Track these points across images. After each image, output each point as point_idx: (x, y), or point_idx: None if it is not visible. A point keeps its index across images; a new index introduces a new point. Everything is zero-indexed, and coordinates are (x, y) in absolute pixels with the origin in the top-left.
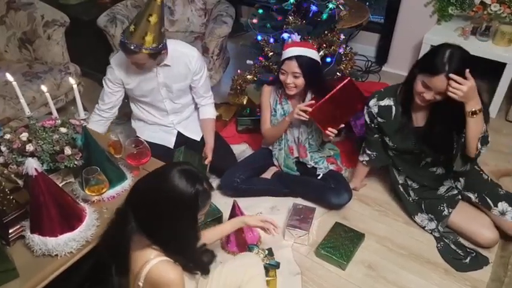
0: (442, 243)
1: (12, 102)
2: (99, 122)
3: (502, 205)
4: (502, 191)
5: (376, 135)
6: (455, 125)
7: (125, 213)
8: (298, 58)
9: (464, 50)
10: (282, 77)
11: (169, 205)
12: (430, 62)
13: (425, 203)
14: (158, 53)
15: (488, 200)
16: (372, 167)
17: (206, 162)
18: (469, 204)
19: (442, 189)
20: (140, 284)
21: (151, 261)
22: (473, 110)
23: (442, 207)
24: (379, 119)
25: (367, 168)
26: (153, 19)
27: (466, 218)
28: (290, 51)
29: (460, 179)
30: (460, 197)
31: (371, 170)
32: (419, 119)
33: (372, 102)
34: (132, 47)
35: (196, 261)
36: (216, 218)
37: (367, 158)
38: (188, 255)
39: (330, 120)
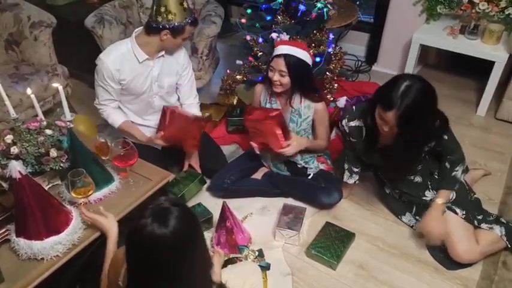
0: None
1: None
2: (114, 110)
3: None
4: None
5: (353, 151)
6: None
7: None
8: (286, 56)
9: (424, 83)
10: (270, 74)
11: (179, 252)
12: (385, 94)
13: (416, 206)
14: None
15: (474, 220)
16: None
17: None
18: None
19: (427, 197)
20: None
21: None
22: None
23: None
24: (351, 138)
25: (353, 186)
26: None
27: (448, 229)
28: (280, 49)
29: None
30: (445, 209)
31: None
32: (388, 138)
33: (344, 122)
34: (196, 20)
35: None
36: (206, 219)
37: (357, 177)
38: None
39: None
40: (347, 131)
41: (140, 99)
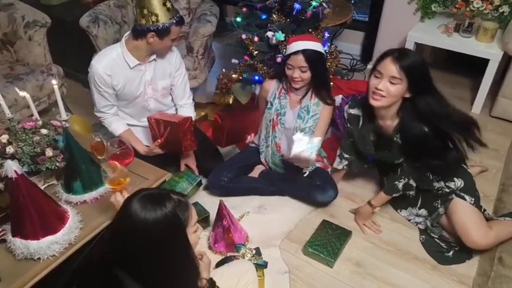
0: (424, 236)
1: None
2: (114, 118)
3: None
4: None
5: (351, 139)
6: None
7: (114, 278)
8: (305, 52)
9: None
10: (288, 72)
11: (153, 244)
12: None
13: (422, 197)
14: None
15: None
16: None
17: (192, 166)
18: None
19: (435, 186)
20: None
21: None
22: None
23: (436, 204)
24: (349, 125)
25: (342, 172)
26: None
27: (459, 217)
28: (295, 46)
29: (455, 179)
30: (453, 196)
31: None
32: (389, 128)
33: (346, 108)
34: (181, 19)
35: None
36: (203, 218)
37: (346, 162)
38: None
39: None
40: (346, 117)
41: (135, 103)
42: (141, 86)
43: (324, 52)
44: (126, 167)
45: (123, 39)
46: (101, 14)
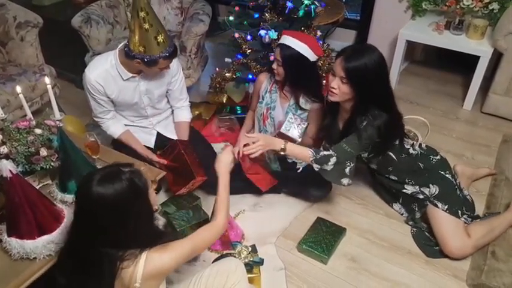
0: (415, 229)
1: None
2: (112, 121)
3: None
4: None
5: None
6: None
7: (98, 254)
8: (283, 46)
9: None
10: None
11: (124, 212)
12: None
13: (402, 197)
14: None
15: (458, 211)
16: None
17: None
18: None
19: (408, 190)
20: (137, 285)
21: (139, 262)
22: (279, 149)
23: (414, 206)
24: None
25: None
26: (146, 26)
27: (435, 225)
28: (282, 38)
29: (430, 185)
30: (427, 202)
31: None
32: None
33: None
34: (173, 53)
35: (160, 233)
36: (203, 221)
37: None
38: (156, 234)
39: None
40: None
41: (132, 109)
42: (136, 96)
43: (308, 57)
44: None
45: (117, 49)
46: (93, 14)
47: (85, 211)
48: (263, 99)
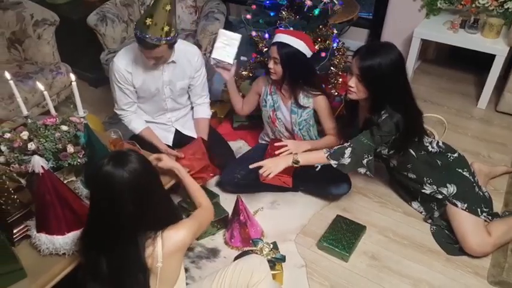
0: (435, 226)
1: (3, 103)
2: (134, 116)
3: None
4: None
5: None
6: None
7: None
8: (279, 44)
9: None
10: (268, 62)
11: (143, 192)
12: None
13: (420, 196)
14: (175, 43)
15: (478, 209)
16: None
17: None
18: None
19: (426, 190)
20: (160, 264)
21: (158, 243)
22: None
23: (433, 205)
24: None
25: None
26: (169, 7)
27: (455, 223)
28: (277, 37)
29: (448, 185)
30: (446, 202)
31: None
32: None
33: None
34: (154, 41)
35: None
36: (222, 218)
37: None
38: (174, 212)
39: None
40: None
41: (152, 101)
42: (159, 86)
43: (304, 53)
44: None
45: None
46: (108, 12)
47: (103, 197)
48: (266, 102)
